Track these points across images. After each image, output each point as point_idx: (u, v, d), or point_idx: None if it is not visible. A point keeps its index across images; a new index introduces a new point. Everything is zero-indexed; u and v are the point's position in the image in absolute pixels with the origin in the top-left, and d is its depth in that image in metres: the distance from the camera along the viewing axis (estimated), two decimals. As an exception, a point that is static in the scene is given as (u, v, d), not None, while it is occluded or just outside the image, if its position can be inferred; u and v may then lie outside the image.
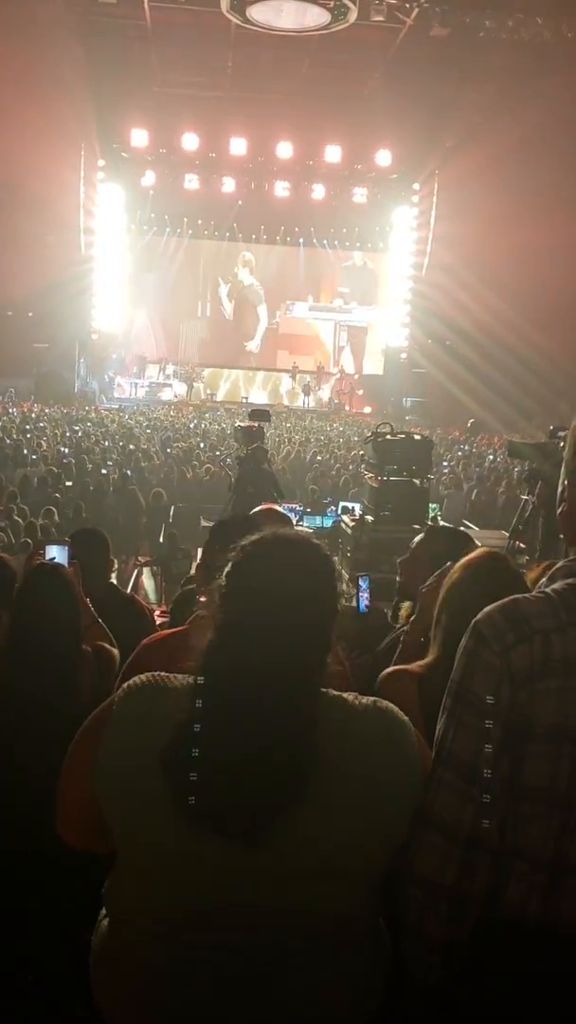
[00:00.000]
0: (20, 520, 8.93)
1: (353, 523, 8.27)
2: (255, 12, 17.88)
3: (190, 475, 13.27)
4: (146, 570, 9.24)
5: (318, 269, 30.23)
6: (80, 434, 17.45)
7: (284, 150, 25.82)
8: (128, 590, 7.47)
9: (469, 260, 24.26)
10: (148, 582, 9.11)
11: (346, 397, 29.13)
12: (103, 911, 1.43)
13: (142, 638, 2.36)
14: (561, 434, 5.90)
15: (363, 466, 9.32)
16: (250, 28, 18.68)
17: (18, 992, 1.99)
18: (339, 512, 9.74)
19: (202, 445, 16.77)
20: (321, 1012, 1.31)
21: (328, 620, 1.32)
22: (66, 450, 14.96)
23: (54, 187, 23.31)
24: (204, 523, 10.42)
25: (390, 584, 3.45)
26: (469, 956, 1.31)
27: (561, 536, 1.44)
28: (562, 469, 1.39)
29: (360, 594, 3.58)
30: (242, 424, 9.91)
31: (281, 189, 27.16)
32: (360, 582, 3.63)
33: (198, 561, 4.58)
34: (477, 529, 10.12)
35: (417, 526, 7.84)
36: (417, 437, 8.87)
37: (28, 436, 15.91)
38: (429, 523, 8.16)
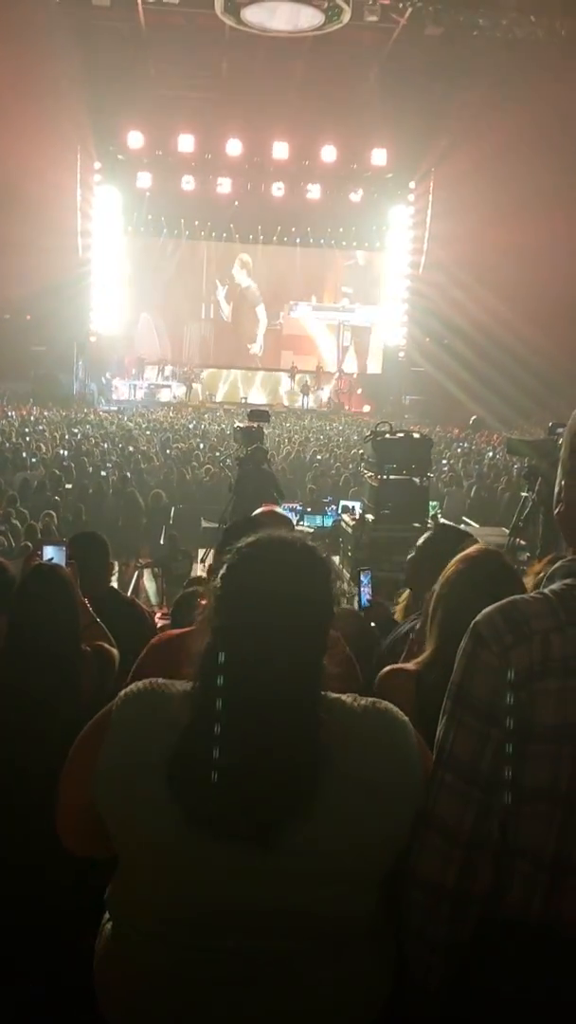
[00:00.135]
0: (19, 523, 8.93)
1: (353, 522, 8.28)
2: (249, 14, 17.92)
3: (190, 476, 13.25)
4: (147, 572, 9.24)
5: (320, 269, 30.24)
6: (79, 436, 17.45)
7: (280, 151, 25.85)
8: (129, 592, 7.49)
9: (465, 258, 24.30)
10: (149, 584, 9.11)
11: (345, 396, 29.15)
12: (106, 915, 1.44)
13: (143, 641, 2.35)
14: (560, 431, 5.91)
15: (363, 465, 9.34)
16: (244, 30, 18.70)
17: (21, 996, 1.99)
18: (339, 511, 9.76)
19: (202, 446, 16.77)
20: (324, 1014, 1.32)
21: (323, 621, 1.32)
22: (65, 453, 14.97)
23: (50, 190, 23.36)
24: (204, 524, 10.43)
25: (391, 582, 3.46)
26: (471, 957, 1.31)
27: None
28: (559, 469, 1.39)
29: (362, 589, 3.60)
30: (241, 425, 9.91)
31: (277, 190, 27.18)
32: (362, 577, 3.65)
33: (210, 562, 4.58)
34: (477, 526, 10.13)
35: (417, 524, 7.86)
36: (416, 436, 8.89)
37: (27, 439, 15.92)
38: (430, 521, 8.17)
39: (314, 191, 27.36)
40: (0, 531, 8.39)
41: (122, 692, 1.38)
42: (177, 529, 9.97)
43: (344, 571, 7.99)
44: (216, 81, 23.06)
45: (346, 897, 1.30)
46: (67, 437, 17.34)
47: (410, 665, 1.98)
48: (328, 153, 26.10)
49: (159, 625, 3.81)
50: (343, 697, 1.34)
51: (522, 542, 6.75)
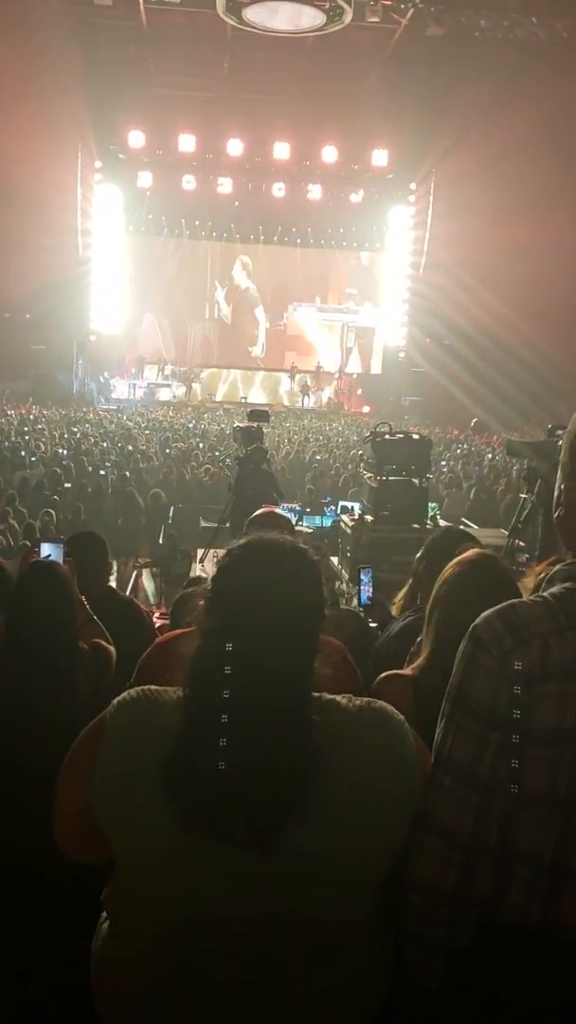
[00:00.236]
0: (16, 524, 8.92)
1: (352, 523, 8.27)
2: (251, 14, 17.91)
3: (189, 476, 13.25)
4: (146, 572, 9.23)
5: (323, 270, 30.23)
6: (78, 436, 17.44)
7: (281, 151, 25.85)
8: (128, 592, 7.49)
9: (466, 259, 24.30)
10: (148, 584, 9.10)
11: (345, 397, 29.15)
12: (103, 915, 1.44)
13: (140, 642, 2.35)
14: (559, 433, 5.91)
15: (362, 466, 9.34)
16: (246, 29, 18.70)
17: (21, 996, 1.99)
18: (338, 512, 9.75)
19: (201, 446, 16.77)
20: (323, 1016, 1.31)
21: (313, 624, 1.32)
22: (64, 452, 14.96)
23: (51, 188, 23.32)
24: (204, 524, 10.43)
25: (390, 583, 3.46)
26: (471, 960, 1.31)
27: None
28: (559, 473, 1.39)
29: (362, 587, 3.61)
30: (241, 425, 9.89)
31: (278, 190, 27.19)
32: (362, 575, 3.67)
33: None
34: (477, 528, 10.12)
35: (416, 526, 7.87)
36: (416, 436, 8.88)
37: (26, 438, 15.91)
38: (429, 522, 8.17)
39: (315, 191, 27.36)
40: (-1, 530, 8.40)
41: (115, 700, 1.38)
42: (176, 529, 9.96)
43: (343, 571, 7.99)
44: (217, 81, 23.04)
45: (344, 900, 1.30)
46: (66, 436, 17.33)
47: (407, 670, 1.99)
48: (329, 153, 26.11)
49: (157, 625, 3.80)
50: (338, 698, 1.34)
51: (521, 544, 6.76)
